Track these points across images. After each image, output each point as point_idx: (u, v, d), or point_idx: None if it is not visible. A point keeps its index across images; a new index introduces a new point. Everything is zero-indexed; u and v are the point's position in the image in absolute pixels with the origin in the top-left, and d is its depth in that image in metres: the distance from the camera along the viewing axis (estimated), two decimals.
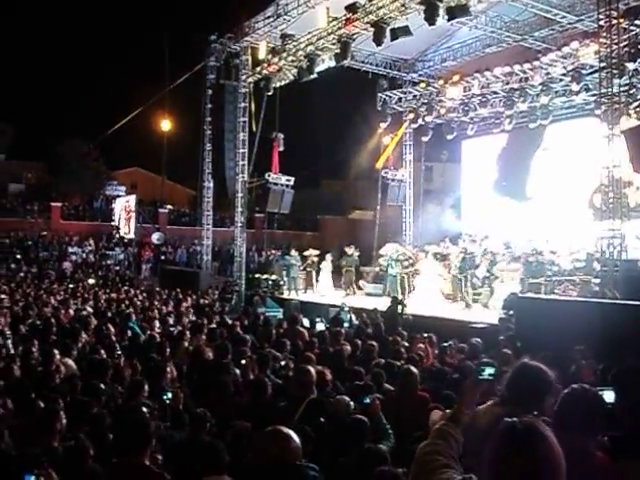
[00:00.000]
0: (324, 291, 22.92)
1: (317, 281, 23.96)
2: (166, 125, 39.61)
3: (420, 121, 24.98)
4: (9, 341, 10.56)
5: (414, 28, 17.78)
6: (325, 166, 41.05)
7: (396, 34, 17.95)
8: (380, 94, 25.34)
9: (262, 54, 22.57)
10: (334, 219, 41.71)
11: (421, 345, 10.47)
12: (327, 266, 23.53)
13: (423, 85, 24.06)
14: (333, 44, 19.82)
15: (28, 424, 5.71)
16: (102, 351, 9.27)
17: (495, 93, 21.54)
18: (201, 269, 27.07)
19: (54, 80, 50.50)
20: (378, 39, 18.14)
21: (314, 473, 3.62)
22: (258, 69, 23.20)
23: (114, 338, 10.96)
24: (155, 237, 34.16)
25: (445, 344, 10.47)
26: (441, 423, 3.00)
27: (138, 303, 18.23)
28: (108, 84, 48.95)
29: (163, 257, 33.97)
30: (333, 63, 20.54)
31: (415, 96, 24.63)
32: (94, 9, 51.62)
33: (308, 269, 24.24)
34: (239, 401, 6.90)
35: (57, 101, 47.73)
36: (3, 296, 18.93)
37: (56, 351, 8.57)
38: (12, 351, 9.70)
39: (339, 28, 19.15)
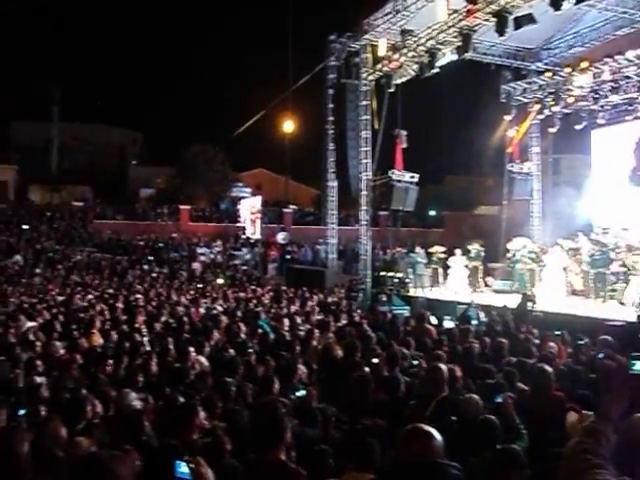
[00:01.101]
0: (456, 288, 22.35)
1: (445, 278, 23.58)
2: (289, 126, 40.24)
3: (547, 112, 24.16)
4: (145, 339, 11.00)
5: (538, 15, 17.21)
6: (448, 161, 40.55)
7: (520, 23, 17.45)
8: (504, 86, 24.69)
9: (382, 51, 22.47)
10: (459, 215, 41.06)
11: (551, 343, 10.11)
12: (458, 262, 22.92)
13: (549, 74, 23.23)
14: (454, 37, 19.49)
15: (167, 418, 5.93)
16: (233, 349, 9.51)
17: (628, 78, 20.49)
18: (327, 268, 27.28)
19: (181, 88, 52.50)
20: (501, 29, 17.69)
21: (456, 472, 3.56)
22: (379, 66, 23.12)
23: (244, 336, 11.23)
24: (280, 237, 34.76)
25: (580, 342, 10.08)
26: (590, 420, 2.84)
27: (266, 302, 18.61)
28: (232, 89, 50.24)
29: (288, 256, 34.46)
30: (455, 57, 20.20)
31: (541, 86, 23.83)
32: (216, 16, 53.08)
33: (434, 266, 23.94)
34: (372, 399, 6.90)
35: (184, 108, 49.49)
36: (138, 296, 19.83)
37: (191, 348, 8.89)
38: (148, 348, 10.11)
39: (460, 20, 18.82)
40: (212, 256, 35.36)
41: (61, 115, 46.28)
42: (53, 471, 4.74)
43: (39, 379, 7.59)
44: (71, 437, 5.28)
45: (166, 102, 50.45)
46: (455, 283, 22.56)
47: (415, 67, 21.75)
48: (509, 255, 22.28)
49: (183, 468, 3.50)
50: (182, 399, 6.36)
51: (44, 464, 4.87)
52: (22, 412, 6.20)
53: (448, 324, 13.02)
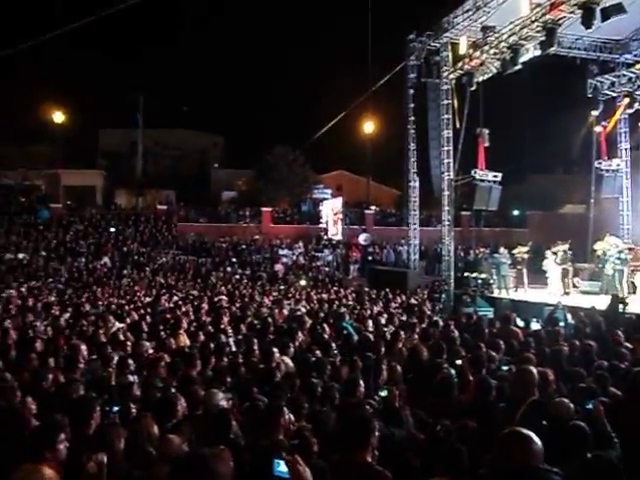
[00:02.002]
0: (552, 289, 21.64)
1: (529, 279, 23.01)
2: (369, 127, 40.21)
3: (637, 105, 23.38)
4: (231, 339, 11.15)
5: (627, 4, 16.66)
6: (532, 159, 39.66)
7: (608, 14, 16.94)
8: (590, 80, 24.03)
9: (463, 49, 22.23)
10: (543, 214, 40.09)
11: None
12: (550, 263, 22.14)
13: (639, 66, 22.49)
14: (537, 32, 19.10)
15: (253, 419, 6.00)
16: (318, 350, 9.54)
17: None
18: (409, 269, 27.14)
19: (259, 91, 53.05)
20: (588, 21, 17.21)
21: (558, 478, 3.47)
22: (459, 65, 22.87)
23: (328, 337, 11.26)
24: (362, 238, 34.75)
25: None
26: None
27: (349, 303, 18.61)
28: (312, 91, 50.52)
29: (370, 257, 34.40)
30: (538, 52, 19.80)
31: (630, 79, 23.10)
32: (294, 17, 53.52)
33: (518, 267, 23.45)
34: (459, 401, 6.81)
35: (263, 111, 50.05)
36: (222, 297, 20.14)
37: (275, 349, 8.96)
38: (234, 349, 10.23)
39: (543, 14, 18.42)
40: (294, 258, 35.60)
41: (145, 121, 47.58)
42: (146, 467, 4.87)
43: (131, 378, 7.82)
44: (162, 434, 5.41)
45: (246, 106, 51.08)
46: (552, 285, 21.88)
47: (497, 64, 21.44)
48: (598, 254, 21.61)
49: (281, 467, 3.53)
50: (267, 400, 6.44)
51: (137, 460, 5.02)
52: (116, 409, 6.40)
53: (535, 326, 12.75)
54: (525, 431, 3.47)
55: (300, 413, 6.10)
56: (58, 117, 42.25)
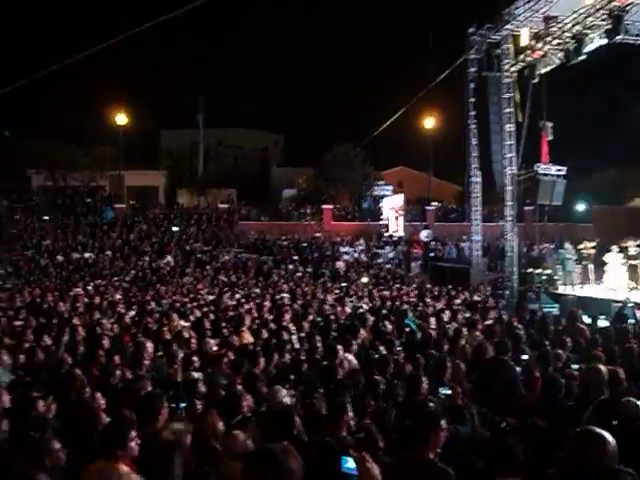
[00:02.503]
0: (613, 285, 21.11)
1: (595, 275, 22.43)
2: (430, 123, 39.91)
3: None
4: (294, 337, 11.19)
5: None
6: (597, 152, 38.71)
7: None
8: None
9: (524, 41, 21.77)
10: (610, 209, 39.06)
11: None
12: (615, 259, 21.56)
13: None
14: (603, 20, 18.56)
15: (316, 415, 6.01)
16: (381, 347, 9.50)
17: None
18: (471, 265, 26.82)
19: (319, 89, 53.14)
20: None
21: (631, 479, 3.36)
22: (521, 57, 22.41)
23: (391, 335, 11.20)
24: (424, 234, 34.47)
25: None
26: None
27: (411, 300, 18.49)
28: (371, 88, 50.39)
29: (432, 254, 34.11)
30: (604, 41, 19.23)
31: None
32: (354, 13, 53.40)
33: (584, 262, 22.90)
34: (526, 399, 6.68)
35: (323, 109, 50.17)
36: (284, 295, 20.24)
37: (339, 346, 8.95)
38: (297, 346, 10.27)
39: (609, 2, 17.90)
40: (355, 255, 35.56)
41: (206, 121, 48.24)
42: (212, 462, 4.92)
43: (195, 374, 7.92)
44: (228, 431, 5.45)
45: (306, 104, 51.34)
46: (612, 280, 21.31)
47: (560, 55, 20.93)
48: None
49: (349, 463, 3.52)
50: (331, 397, 6.43)
51: (203, 455, 5.08)
52: (183, 405, 6.49)
53: (602, 323, 12.44)
54: (599, 430, 3.37)
55: (365, 410, 6.09)
56: (121, 119, 43.14)
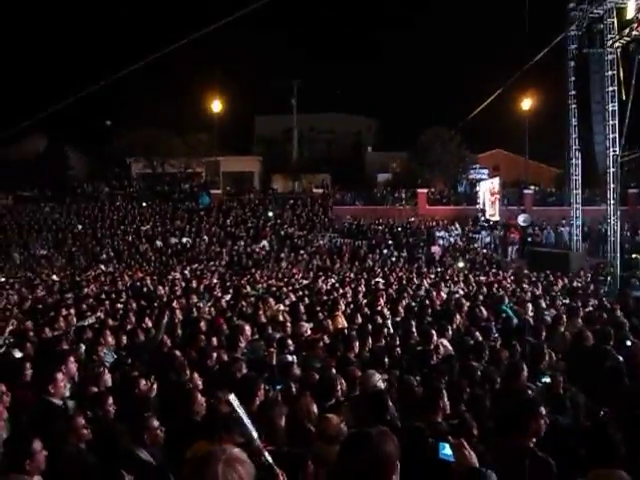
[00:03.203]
0: None
1: None
2: (527, 104, 38.89)
3: None
4: (388, 321, 11.13)
5: None
6: None
7: None
8: None
9: (630, 13, 20.79)
10: None
11: None
12: None
13: None
14: None
15: (410, 400, 5.96)
16: (477, 333, 9.33)
17: None
18: (571, 250, 26.08)
19: (412, 72, 52.32)
20: None
21: None
22: (626, 31, 21.42)
23: (486, 321, 10.98)
24: (521, 219, 33.71)
25: None
26: None
27: (507, 286, 18.12)
28: (467, 69, 49.40)
29: (530, 239, 33.35)
30: None
31: None
32: None
33: None
34: (630, 389, 6.41)
35: (417, 92, 49.43)
36: (379, 279, 20.20)
37: (434, 332, 8.85)
38: (391, 331, 10.21)
39: None
40: (451, 239, 35.13)
41: (299, 106, 48.47)
42: (305, 443, 4.94)
43: (290, 357, 8.00)
44: (321, 413, 5.47)
45: (400, 88, 50.69)
46: None
47: None
48: None
49: (447, 450, 3.50)
50: (426, 382, 6.37)
51: (297, 436, 5.11)
52: (279, 387, 6.57)
53: None
54: None
55: (460, 397, 6.00)
56: (216, 106, 43.88)
